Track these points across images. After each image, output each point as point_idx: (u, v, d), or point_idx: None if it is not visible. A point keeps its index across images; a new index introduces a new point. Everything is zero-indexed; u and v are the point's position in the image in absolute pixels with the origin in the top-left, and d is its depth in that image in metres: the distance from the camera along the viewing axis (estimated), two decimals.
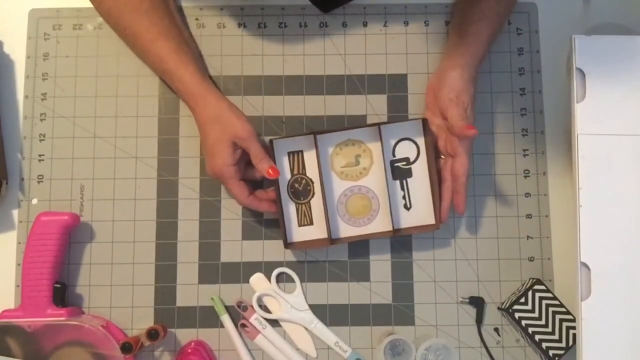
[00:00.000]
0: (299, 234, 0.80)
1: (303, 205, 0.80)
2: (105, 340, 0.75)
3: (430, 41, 0.85)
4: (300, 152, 0.81)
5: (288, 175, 0.81)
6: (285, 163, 0.81)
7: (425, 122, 0.79)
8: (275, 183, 0.78)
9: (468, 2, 0.80)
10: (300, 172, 0.81)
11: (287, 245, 0.78)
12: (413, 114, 0.83)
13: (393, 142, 0.81)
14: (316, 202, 0.80)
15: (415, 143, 0.81)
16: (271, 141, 0.79)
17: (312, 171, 0.80)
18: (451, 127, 0.75)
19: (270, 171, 0.74)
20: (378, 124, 0.79)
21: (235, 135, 0.74)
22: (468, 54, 0.78)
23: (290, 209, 0.80)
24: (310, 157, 0.80)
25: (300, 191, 0.81)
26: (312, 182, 0.81)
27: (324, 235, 0.79)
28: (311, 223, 0.80)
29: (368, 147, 0.81)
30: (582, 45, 0.74)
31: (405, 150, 0.81)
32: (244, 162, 0.78)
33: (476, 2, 0.79)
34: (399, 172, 0.81)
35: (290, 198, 0.80)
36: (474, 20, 0.78)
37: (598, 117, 0.73)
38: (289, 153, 0.81)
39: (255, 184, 0.80)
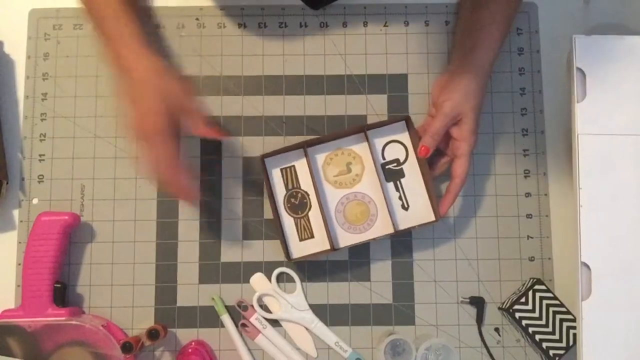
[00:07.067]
0: (301, 249, 0.79)
1: (302, 219, 0.80)
2: (105, 340, 0.75)
3: (430, 41, 0.85)
4: (292, 167, 0.80)
5: (283, 191, 0.80)
6: (278, 179, 0.80)
7: (408, 120, 0.79)
8: (272, 199, 0.78)
9: (477, 4, 0.79)
10: (295, 186, 0.80)
11: (290, 259, 0.78)
12: (413, 114, 0.83)
13: (381, 146, 0.81)
14: (314, 215, 0.80)
15: (403, 144, 0.81)
16: (262, 159, 0.79)
17: (306, 184, 0.80)
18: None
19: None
20: (363, 127, 0.79)
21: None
22: (480, 61, 0.77)
23: (290, 225, 0.80)
24: (302, 170, 0.80)
25: (297, 205, 0.80)
26: (308, 195, 0.80)
27: (326, 247, 0.78)
28: (312, 236, 0.79)
29: (357, 153, 0.81)
30: (582, 45, 0.74)
31: (394, 151, 0.81)
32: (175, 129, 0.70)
33: (485, 5, 0.77)
34: (391, 173, 0.81)
35: (288, 213, 0.80)
36: (484, 25, 0.77)
37: (598, 117, 0.73)
38: (281, 169, 0.80)
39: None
